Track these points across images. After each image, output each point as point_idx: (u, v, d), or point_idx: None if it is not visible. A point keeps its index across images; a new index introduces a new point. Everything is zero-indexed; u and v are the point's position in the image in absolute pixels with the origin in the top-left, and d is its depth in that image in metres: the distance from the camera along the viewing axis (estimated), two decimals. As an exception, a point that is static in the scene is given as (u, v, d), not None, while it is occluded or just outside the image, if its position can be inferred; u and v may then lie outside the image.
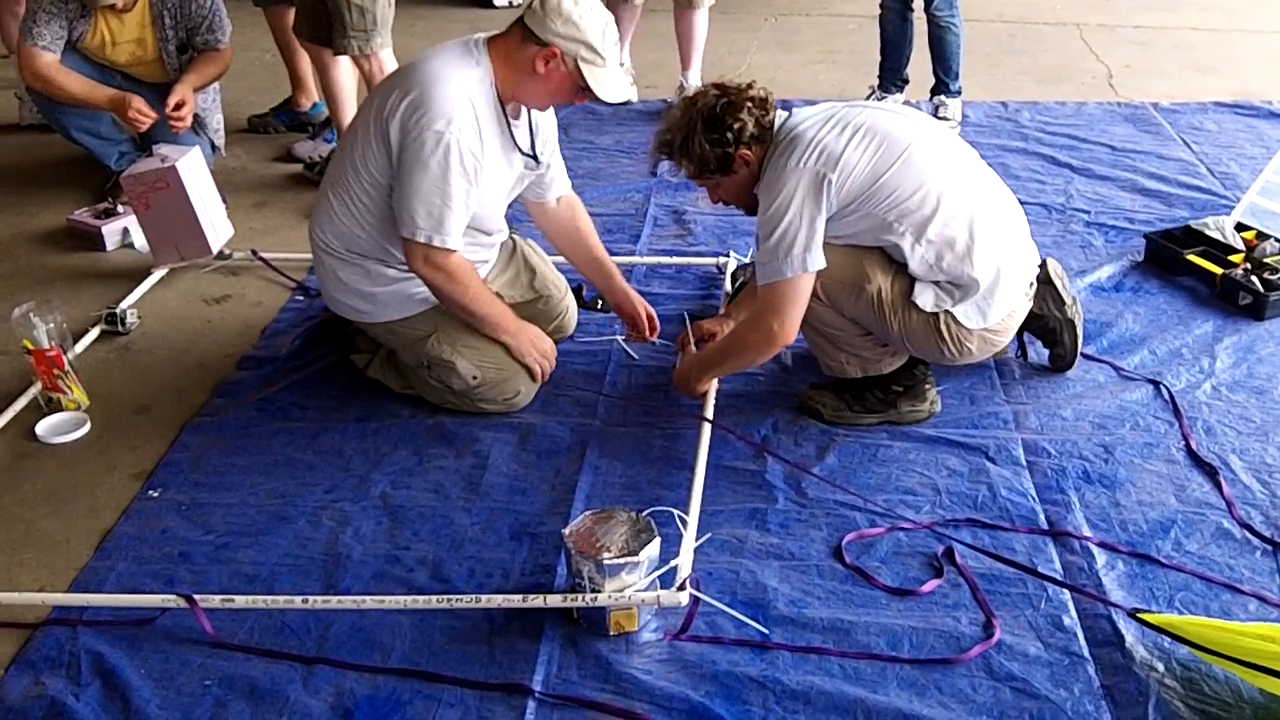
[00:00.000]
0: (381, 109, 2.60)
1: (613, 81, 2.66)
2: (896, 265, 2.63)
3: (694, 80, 5.14)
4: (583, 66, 2.60)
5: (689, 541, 2.30)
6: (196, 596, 2.21)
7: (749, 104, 2.56)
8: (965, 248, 2.57)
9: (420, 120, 2.53)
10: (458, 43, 2.67)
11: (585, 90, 2.63)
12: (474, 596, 2.23)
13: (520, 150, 2.76)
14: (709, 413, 2.77)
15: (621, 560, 2.13)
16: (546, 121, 2.88)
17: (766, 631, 2.18)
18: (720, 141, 2.56)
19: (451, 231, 2.61)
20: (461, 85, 2.58)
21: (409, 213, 2.58)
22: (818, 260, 2.53)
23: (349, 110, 4.21)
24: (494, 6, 6.88)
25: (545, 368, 2.88)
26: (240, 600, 2.22)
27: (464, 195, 2.60)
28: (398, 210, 2.61)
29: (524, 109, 2.75)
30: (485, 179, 2.64)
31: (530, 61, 2.60)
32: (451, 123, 2.53)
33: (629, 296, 3.05)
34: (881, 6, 4.84)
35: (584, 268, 3.09)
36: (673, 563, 2.22)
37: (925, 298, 2.61)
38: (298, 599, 2.23)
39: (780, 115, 2.64)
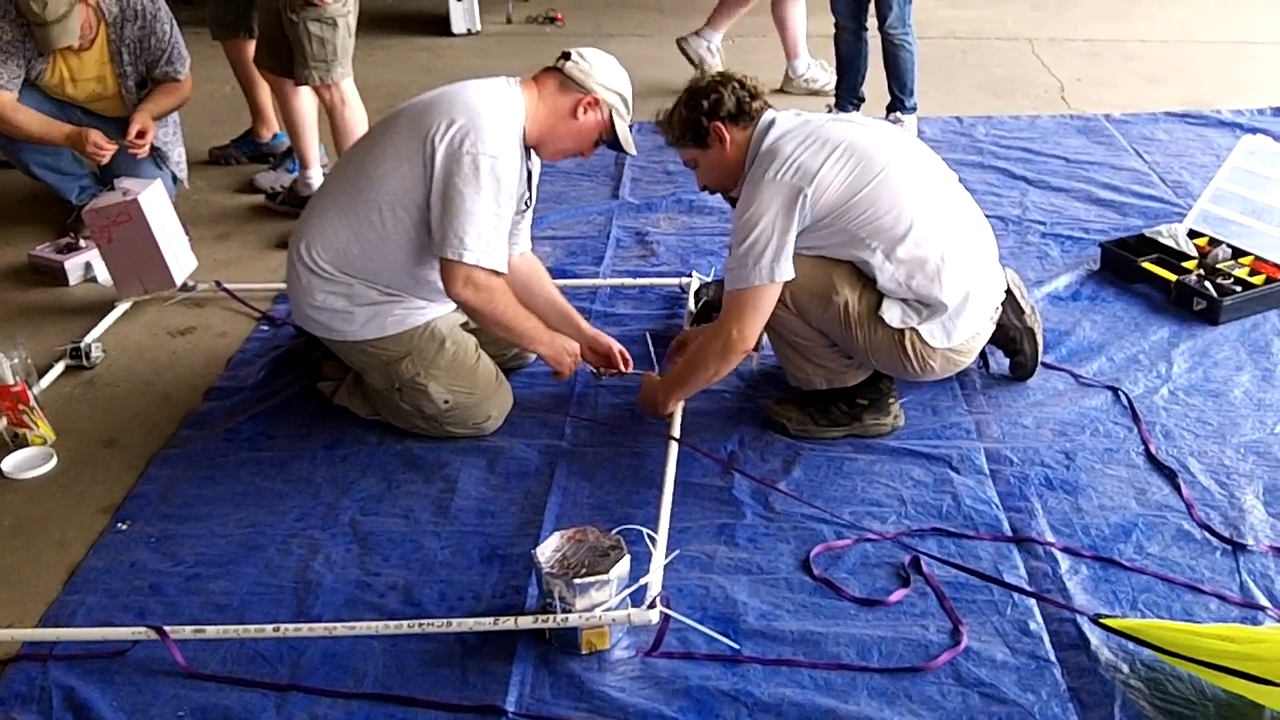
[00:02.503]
0: (420, 130, 2.63)
1: (630, 137, 2.87)
2: (865, 279, 2.66)
3: (802, 69, 5.58)
4: (615, 118, 2.78)
5: (658, 559, 2.31)
6: (167, 628, 2.20)
7: (735, 84, 2.68)
8: (935, 269, 2.60)
9: (475, 145, 2.58)
10: (492, 80, 2.76)
11: (603, 141, 2.84)
12: (445, 620, 2.24)
13: (525, 191, 2.83)
14: (675, 431, 2.79)
15: (592, 579, 2.14)
16: (536, 171, 2.95)
17: (737, 646, 2.20)
18: (696, 109, 2.68)
19: (501, 254, 2.67)
20: (508, 118, 2.67)
21: (456, 235, 2.60)
22: (786, 271, 2.57)
23: (311, 140, 4.23)
24: (453, 34, 6.91)
25: (573, 367, 2.96)
26: (211, 631, 2.22)
27: (508, 221, 2.69)
28: (444, 232, 2.61)
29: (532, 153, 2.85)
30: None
31: (571, 107, 2.75)
32: (502, 150, 2.62)
33: (598, 338, 3.06)
34: (836, 26, 4.91)
35: (549, 319, 3.07)
36: (643, 580, 2.23)
37: (892, 314, 2.64)
38: (269, 627, 2.23)
39: (765, 118, 2.69)
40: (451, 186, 2.59)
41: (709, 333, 2.72)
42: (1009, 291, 2.89)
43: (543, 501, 2.64)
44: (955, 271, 2.63)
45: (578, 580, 2.14)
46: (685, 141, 2.75)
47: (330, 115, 4.03)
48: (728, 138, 2.68)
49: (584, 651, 2.18)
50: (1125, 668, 2.13)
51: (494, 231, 2.63)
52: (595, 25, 7.15)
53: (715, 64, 5.58)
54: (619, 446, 2.85)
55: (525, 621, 2.20)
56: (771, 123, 2.68)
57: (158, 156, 4.11)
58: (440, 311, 2.85)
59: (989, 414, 2.93)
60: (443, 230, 2.61)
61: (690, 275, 3.59)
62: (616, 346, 3.04)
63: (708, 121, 2.67)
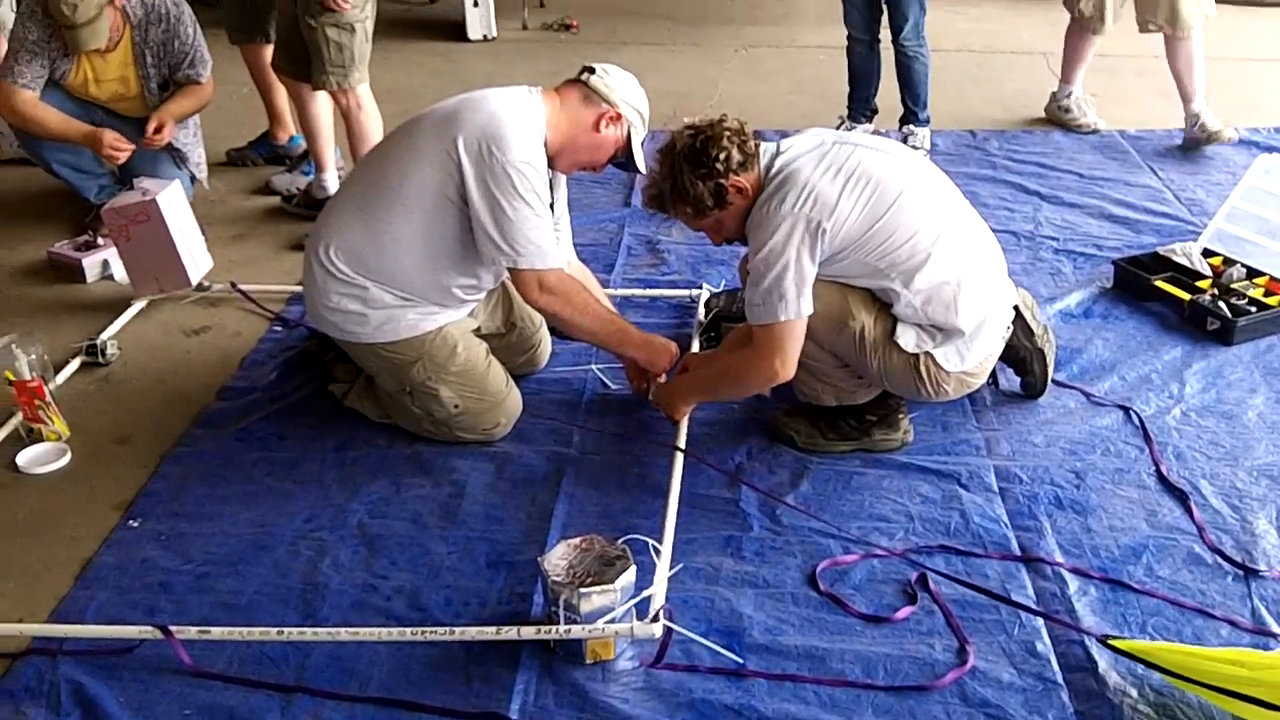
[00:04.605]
0: (444, 136, 2.64)
1: (643, 155, 2.87)
2: (880, 304, 2.65)
3: (1200, 107, 4.85)
4: (633, 134, 2.79)
5: (662, 570, 2.32)
6: (173, 627, 2.21)
7: (727, 133, 2.58)
8: (952, 296, 2.60)
9: (504, 154, 2.59)
10: (514, 88, 2.76)
11: (617, 157, 2.85)
12: (449, 629, 2.24)
13: (550, 197, 2.82)
14: (682, 441, 2.80)
15: (597, 588, 2.15)
16: (559, 181, 2.96)
17: (741, 660, 2.20)
18: (710, 174, 2.56)
19: (553, 251, 2.71)
20: (531, 126, 2.68)
21: (510, 244, 2.63)
22: (810, 305, 2.55)
23: (327, 143, 4.25)
24: (469, 40, 6.93)
25: (666, 368, 2.94)
26: (216, 632, 2.23)
27: (549, 219, 2.71)
28: (497, 244, 2.64)
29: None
30: None
31: (594, 120, 2.76)
32: (530, 156, 2.63)
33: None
34: (849, 38, 4.91)
35: None
36: (647, 592, 2.23)
37: (907, 338, 2.64)
38: (274, 630, 2.24)
39: (767, 146, 2.64)
40: (490, 197, 2.60)
41: (749, 360, 2.66)
42: (1019, 312, 2.88)
43: (550, 509, 2.64)
44: (971, 297, 2.62)
45: (583, 589, 2.14)
46: (705, 211, 2.62)
47: (346, 120, 4.05)
48: (746, 186, 2.59)
49: (588, 661, 2.19)
50: (1134, 692, 2.12)
51: (540, 232, 2.66)
52: (609, 32, 7.18)
53: (1087, 116, 5.19)
54: (626, 455, 2.85)
55: (528, 632, 2.20)
56: (778, 150, 2.63)
57: (176, 157, 4.14)
58: (453, 317, 2.86)
59: (999, 431, 2.92)
60: (494, 242, 2.64)
61: (700, 287, 3.60)
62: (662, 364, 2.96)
63: (726, 181, 2.57)
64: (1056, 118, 5.27)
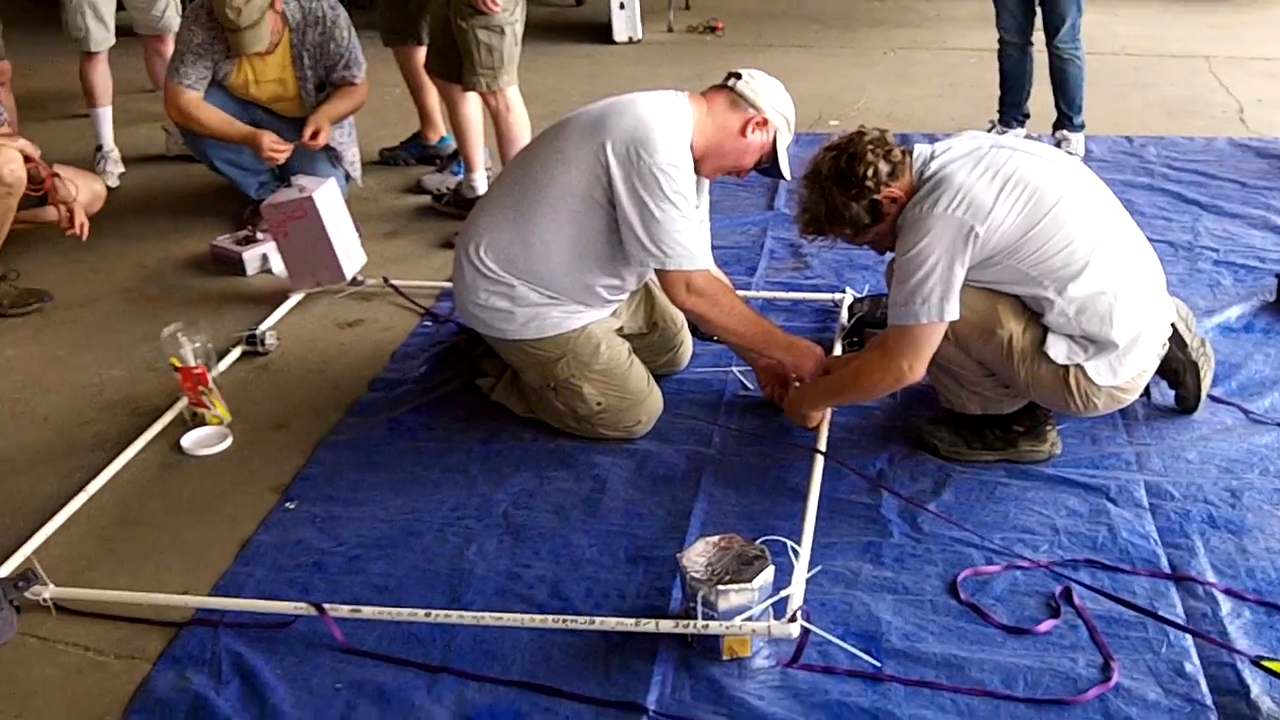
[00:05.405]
0: (592, 139, 2.70)
1: (788, 162, 2.89)
2: (1030, 313, 2.60)
3: None
4: (779, 140, 2.81)
5: (800, 572, 2.32)
6: (326, 605, 2.31)
7: (869, 147, 2.55)
8: (1108, 308, 2.53)
9: (651, 156, 2.64)
10: (660, 92, 2.81)
11: (762, 164, 2.87)
12: (589, 618, 2.29)
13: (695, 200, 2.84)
14: (822, 445, 2.79)
15: (735, 586, 2.16)
16: (703, 185, 2.98)
17: (879, 664, 2.19)
18: (861, 192, 2.54)
19: (701, 252, 2.74)
20: (678, 130, 2.71)
21: (657, 245, 2.67)
22: (954, 310, 2.51)
23: (477, 144, 4.36)
24: (614, 42, 7.02)
25: (813, 373, 2.89)
26: (367, 611, 2.32)
27: (696, 220, 2.75)
28: (645, 245, 2.67)
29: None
30: None
31: (741, 125, 2.79)
32: (677, 158, 2.67)
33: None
34: (1000, 41, 4.83)
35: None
36: (784, 592, 2.24)
37: (1058, 349, 2.58)
38: (421, 612, 2.31)
39: (921, 150, 2.62)
40: (638, 200, 2.64)
41: (877, 361, 2.65)
42: (1173, 325, 2.79)
43: (689, 507, 2.67)
44: (1127, 310, 2.55)
45: (721, 586, 2.16)
46: (864, 229, 2.61)
47: (495, 121, 4.15)
48: (900, 194, 2.56)
49: (725, 657, 2.20)
50: (1288, 717, 2.05)
51: (688, 234, 2.69)
52: (755, 35, 7.19)
53: None
54: (766, 457, 2.86)
55: (667, 626, 2.23)
56: (932, 154, 2.59)
57: (332, 156, 4.29)
58: (597, 316, 2.91)
59: (1150, 446, 2.84)
60: (642, 244, 2.67)
61: (844, 291, 3.58)
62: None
63: (880, 195, 2.54)
64: None
